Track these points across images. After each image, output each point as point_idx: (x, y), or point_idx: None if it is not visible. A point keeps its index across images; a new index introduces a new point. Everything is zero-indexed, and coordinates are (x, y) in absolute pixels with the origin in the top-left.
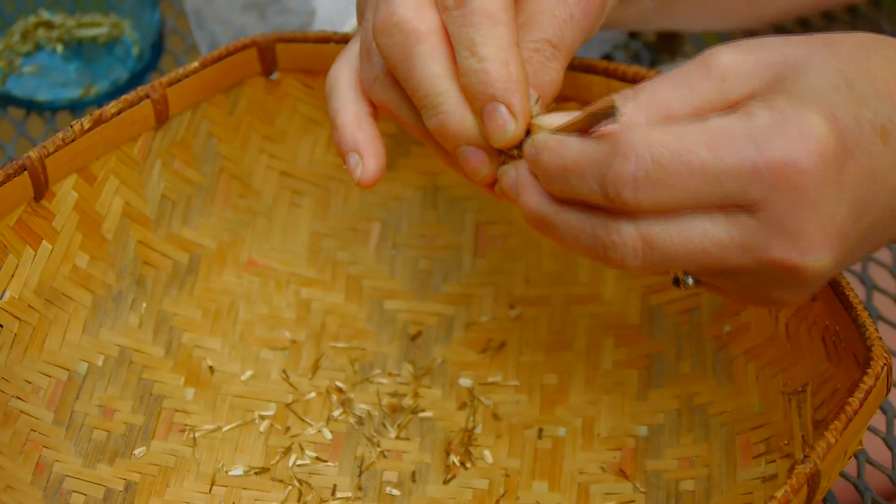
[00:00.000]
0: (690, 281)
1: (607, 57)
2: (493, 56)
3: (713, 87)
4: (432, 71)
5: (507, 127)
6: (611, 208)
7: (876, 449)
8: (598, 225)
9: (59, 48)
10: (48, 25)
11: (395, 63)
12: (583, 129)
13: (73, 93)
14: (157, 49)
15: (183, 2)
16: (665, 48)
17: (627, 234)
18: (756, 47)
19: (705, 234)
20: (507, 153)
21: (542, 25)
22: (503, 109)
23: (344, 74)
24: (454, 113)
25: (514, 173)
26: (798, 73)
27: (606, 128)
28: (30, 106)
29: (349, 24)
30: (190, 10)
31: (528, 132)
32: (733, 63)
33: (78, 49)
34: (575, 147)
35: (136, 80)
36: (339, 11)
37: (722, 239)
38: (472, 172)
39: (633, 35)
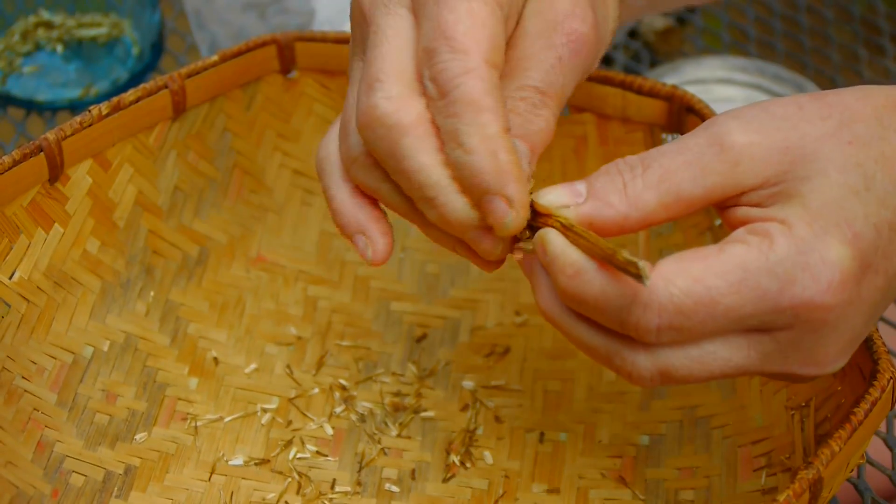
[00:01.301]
0: None
1: (607, 57)
2: (479, 147)
3: (726, 170)
4: (422, 162)
5: (507, 217)
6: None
7: (876, 449)
8: (612, 350)
9: (59, 48)
10: (48, 25)
11: (383, 157)
12: (599, 257)
13: (73, 93)
14: (157, 49)
15: (183, 2)
16: (664, 48)
17: (644, 365)
18: (772, 126)
19: (725, 362)
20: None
21: (528, 72)
22: (499, 201)
23: (333, 152)
24: (453, 203)
25: (529, 262)
26: (816, 171)
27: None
28: (30, 106)
29: (348, 24)
30: (190, 11)
31: (532, 207)
32: (748, 146)
33: (78, 49)
34: (595, 284)
35: (136, 80)
36: (339, 11)
37: (740, 363)
38: (485, 254)
39: (633, 35)
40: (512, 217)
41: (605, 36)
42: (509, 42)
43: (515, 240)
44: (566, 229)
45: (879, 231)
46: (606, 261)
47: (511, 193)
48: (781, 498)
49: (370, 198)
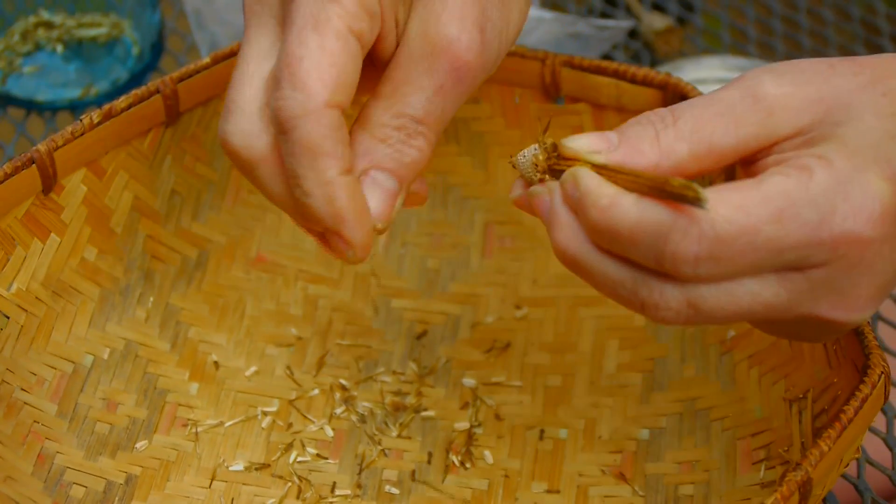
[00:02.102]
0: None
1: (607, 57)
2: (315, 192)
3: (760, 120)
4: (274, 192)
5: (347, 254)
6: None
7: (876, 449)
8: (640, 282)
9: (59, 48)
10: (48, 25)
11: (246, 177)
12: (646, 188)
13: (73, 93)
14: (157, 49)
15: (183, 2)
16: (664, 48)
17: (673, 297)
18: (804, 79)
19: (754, 296)
20: (536, 175)
21: (407, 98)
22: (337, 238)
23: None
24: (303, 222)
25: (548, 201)
26: (851, 117)
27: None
28: (30, 106)
29: None
30: (190, 11)
31: (557, 152)
32: (782, 96)
33: (78, 49)
34: (631, 214)
35: (136, 80)
36: None
37: (770, 300)
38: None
39: (633, 35)
40: (350, 255)
41: (495, 55)
42: (391, 60)
43: (529, 183)
44: (598, 169)
45: None
46: (656, 191)
47: (347, 235)
48: (769, 501)
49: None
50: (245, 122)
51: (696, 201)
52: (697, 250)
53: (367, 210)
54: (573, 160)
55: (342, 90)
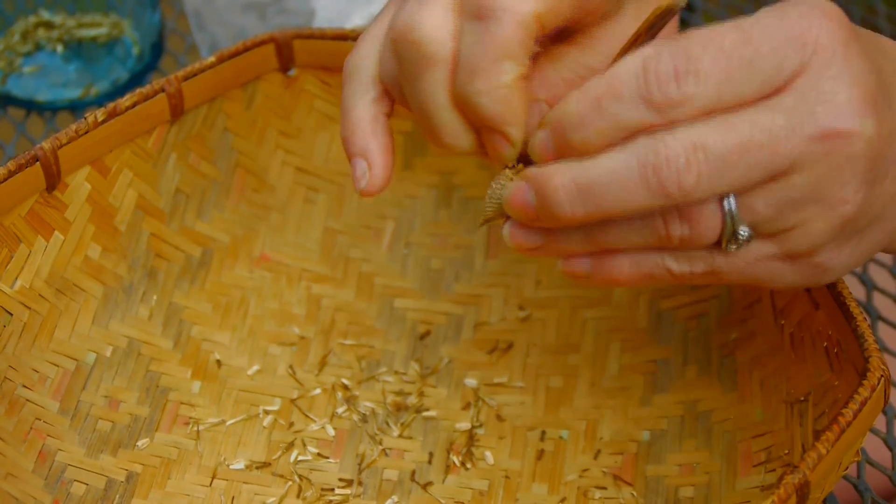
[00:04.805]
0: (745, 233)
1: None
2: (492, 93)
3: None
4: (438, 102)
5: (504, 152)
6: (654, 127)
7: (876, 449)
8: (643, 149)
9: (59, 48)
10: (48, 25)
11: (404, 78)
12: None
13: (73, 93)
14: (157, 49)
15: (183, 2)
16: None
17: (676, 142)
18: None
19: (752, 124)
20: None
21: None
22: (499, 137)
23: (368, 63)
24: (453, 136)
25: (524, 184)
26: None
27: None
28: (30, 106)
29: (349, 24)
30: (190, 11)
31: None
32: None
33: (78, 49)
34: (601, 79)
35: (136, 80)
36: (339, 11)
37: (769, 125)
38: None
39: None
40: (508, 153)
41: None
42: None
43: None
44: None
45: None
46: (635, 42)
47: (512, 134)
48: (766, 503)
49: (386, 128)
50: (437, 16)
51: (671, 10)
52: (673, 64)
53: (526, 114)
54: None
55: (551, 8)
